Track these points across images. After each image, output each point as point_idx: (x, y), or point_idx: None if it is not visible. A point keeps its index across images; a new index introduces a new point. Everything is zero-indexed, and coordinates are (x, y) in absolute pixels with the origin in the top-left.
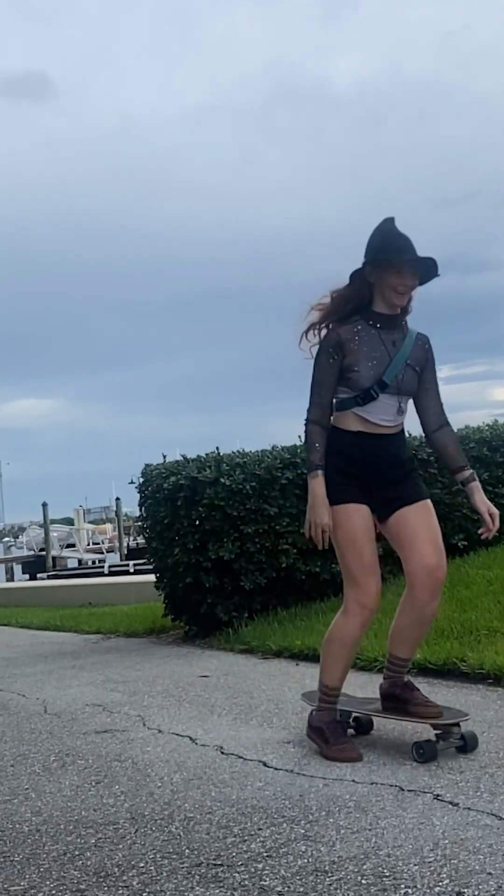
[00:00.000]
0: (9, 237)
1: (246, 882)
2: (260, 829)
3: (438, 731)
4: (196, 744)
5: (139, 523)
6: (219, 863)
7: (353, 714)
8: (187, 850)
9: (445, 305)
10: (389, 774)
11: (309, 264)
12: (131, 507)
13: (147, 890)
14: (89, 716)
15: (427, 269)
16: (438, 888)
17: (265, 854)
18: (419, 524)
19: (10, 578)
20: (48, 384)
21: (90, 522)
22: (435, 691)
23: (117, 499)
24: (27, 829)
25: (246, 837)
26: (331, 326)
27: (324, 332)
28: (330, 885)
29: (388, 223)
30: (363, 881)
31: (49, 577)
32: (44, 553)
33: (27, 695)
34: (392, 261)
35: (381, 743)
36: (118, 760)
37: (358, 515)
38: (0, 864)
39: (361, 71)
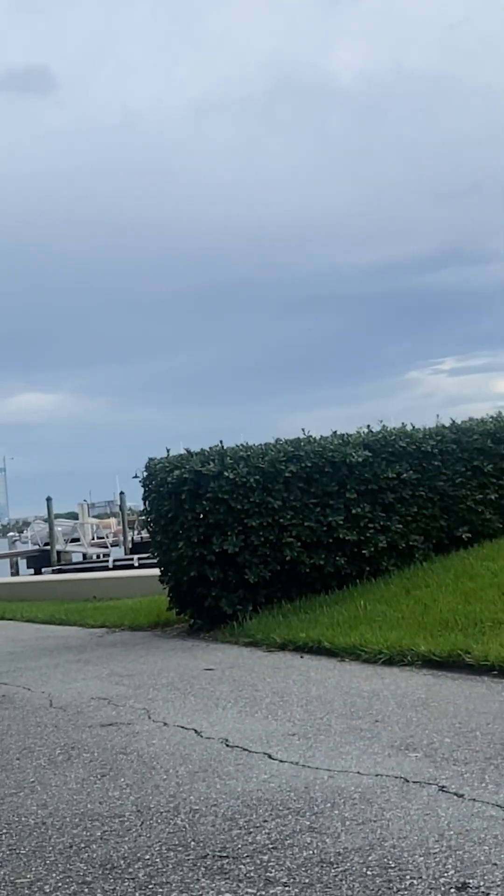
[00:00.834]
0: (10, 231)
1: (251, 874)
2: (265, 820)
3: None
4: (201, 736)
5: (143, 517)
6: (224, 855)
7: None
8: (193, 843)
9: (449, 298)
10: (394, 766)
11: (312, 256)
12: (135, 501)
13: (153, 882)
14: (94, 709)
15: None
16: (444, 879)
17: (270, 846)
18: None
19: (15, 573)
20: (52, 378)
21: (94, 517)
22: (439, 683)
23: (121, 493)
24: (33, 822)
25: (251, 829)
26: None
27: None
28: (335, 876)
29: None
30: (369, 872)
31: (54, 572)
32: (48, 547)
33: (32, 688)
34: None
35: (385, 734)
36: (123, 753)
37: None
38: (6, 857)
39: (364, 63)
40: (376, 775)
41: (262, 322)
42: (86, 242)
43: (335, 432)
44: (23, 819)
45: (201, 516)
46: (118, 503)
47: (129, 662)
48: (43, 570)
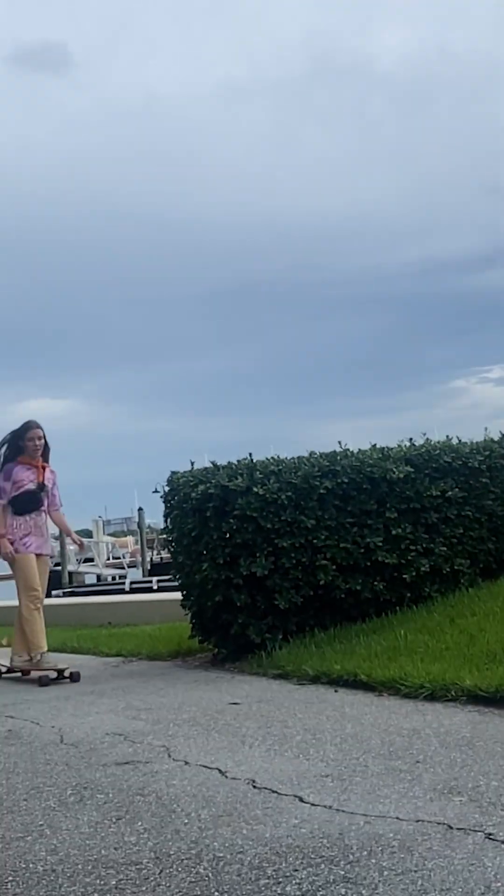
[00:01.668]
0: (21, 224)
1: None
2: (296, 870)
3: None
4: (226, 777)
5: (164, 536)
6: None
7: None
8: (216, 893)
9: (498, 300)
10: (437, 811)
11: (350, 254)
12: (155, 518)
13: None
14: (109, 746)
15: None
16: None
17: None
18: None
19: None
20: (64, 382)
21: (110, 535)
22: (486, 721)
23: (140, 509)
24: (42, 869)
25: (280, 879)
26: None
27: None
28: None
29: None
30: None
31: (65, 595)
32: (59, 568)
33: (41, 723)
34: None
35: (426, 776)
36: (141, 795)
37: None
38: None
39: (407, 44)
40: (417, 821)
41: (295, 324)
42: (103, 236)
43: (374, 445)
44: (30, 866)
45: (228, 536)
46: (136, 520)
47: (148, 695)
48: (53, 592)
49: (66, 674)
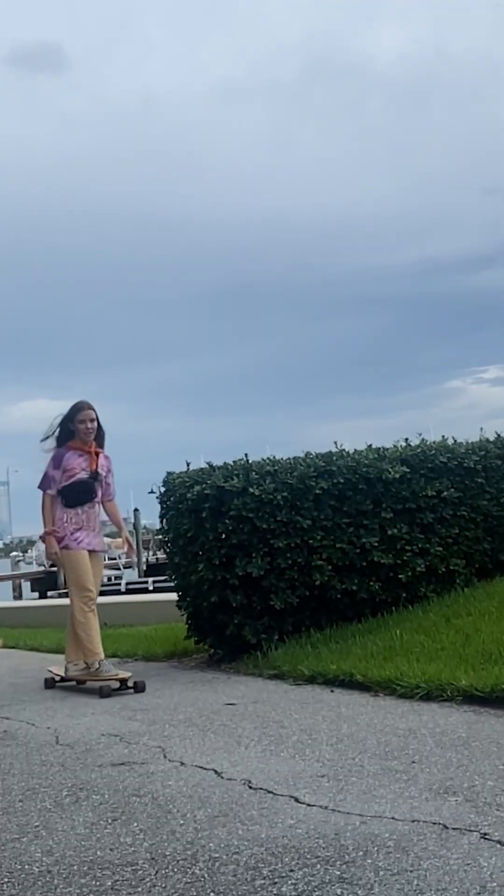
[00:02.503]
0: (19, 224)
1: None
2: (292, 870)
3: None
4: (222, 777)
5: (160, 536)
6: None
7: None
8: (212, 894)
9: (495, 300)
10: (433, 811)
11: (347, 254)
12: (151, 518)
13: None
14: (105, 747)
15: None
16: None
17: None
18: None
19: (18, 597)
20: (61, 383)
21: (106, 536)
22: (482, 721)
23: (136, 510)
24: (37, 871)
25: (276, 880)
26: None
27: None
28: None
29: None
30: None
31: (60, 596)
32: (55, 569)
33: (37, 724)
34: None
35: (422, 776)
36: (137, 795)
37: None
38: None
39: (405, 44)
40: (413, 821)
41: (291, 325)
42: (101, 237)
43: (370, 446)
44: (26, 867)
45: (223, 536)
46: (132, 521)
47: (143, 696)
48: (49, 593)
49: (130, 683)
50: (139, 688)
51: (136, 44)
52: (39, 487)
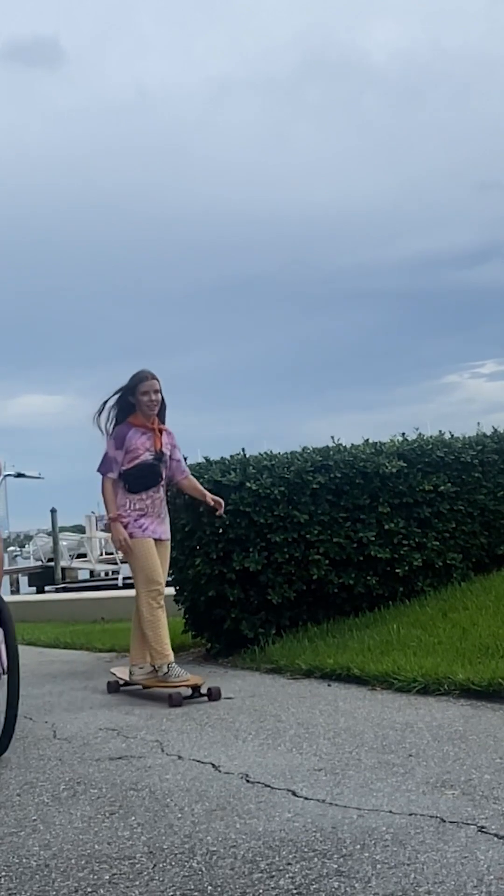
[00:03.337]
0: (13, 219)
1: None
2: (289, 863)
3: None
4: (219, 771)
5: None
6: None
7: None
8: (210, 887)
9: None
10: (430, 804)
11: (342, 249)
12: None
13: None
14: (102, 741)
15: None
16: None
17: (294, 891)
18: None
19: (16, 591)
20: (58, 378)
21: (103, 530)
22: (478, 714)
23: None
24: (35, 864)
25: (274, 873)
26: None
27: None
28: None
29: None
30: None
31: (58, 590)
32: (52, 564)
33: (35, 718)
34: None
35: (419, 769)
36: (134, 789)
37: None
38: None
39: (399, 40)
40: (410, 814)
41: (287, 320)
42: (96, 232)
43: (367, 440)
44: (24, 861)
45: (220, 531)
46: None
47: (141, 690)
48: (46, 588)
49: (203, 690)
50: (213, 695)
51: (132, 38)
52: (99, 471)
